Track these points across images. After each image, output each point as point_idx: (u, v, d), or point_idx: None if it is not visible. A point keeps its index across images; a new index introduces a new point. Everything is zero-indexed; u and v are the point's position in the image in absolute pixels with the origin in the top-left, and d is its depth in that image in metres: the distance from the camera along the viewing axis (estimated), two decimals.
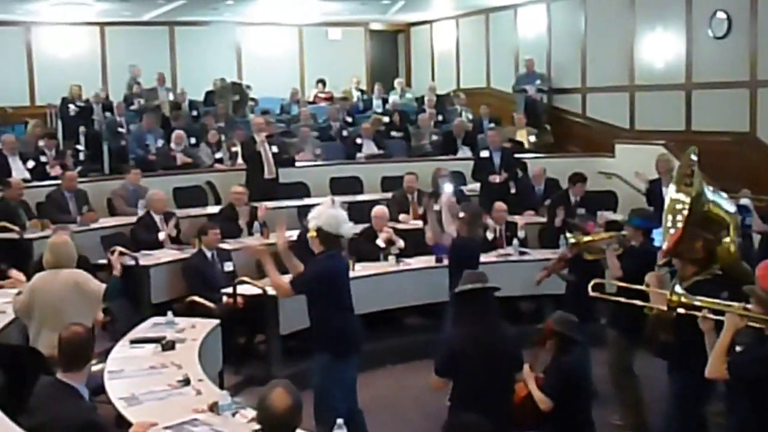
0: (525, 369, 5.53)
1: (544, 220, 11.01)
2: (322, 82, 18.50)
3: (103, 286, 6.46)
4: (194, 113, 16.08)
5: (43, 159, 12.16)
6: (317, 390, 6.03)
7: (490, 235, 9.95)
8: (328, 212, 6.13)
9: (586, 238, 7.29)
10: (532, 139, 14.91)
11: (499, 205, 10.31)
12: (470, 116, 16.08)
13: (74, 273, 6.45)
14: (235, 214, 10.43)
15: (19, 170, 11.60)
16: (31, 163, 11.88)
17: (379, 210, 9.75)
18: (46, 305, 6.30)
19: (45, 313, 6.29)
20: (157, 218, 10.02)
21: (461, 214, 7.76)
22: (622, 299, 5.62)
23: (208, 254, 9.04)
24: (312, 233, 6.12)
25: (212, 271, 8.92)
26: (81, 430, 4.31)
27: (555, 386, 5.43)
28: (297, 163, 12.96)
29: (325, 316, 6.06)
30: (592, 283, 5.78)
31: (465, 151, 13.98)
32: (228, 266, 9.07)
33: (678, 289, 4.97)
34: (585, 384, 5.80)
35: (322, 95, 18.07)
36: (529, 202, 11.80)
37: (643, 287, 5.51)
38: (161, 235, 9.87)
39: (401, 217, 10.87)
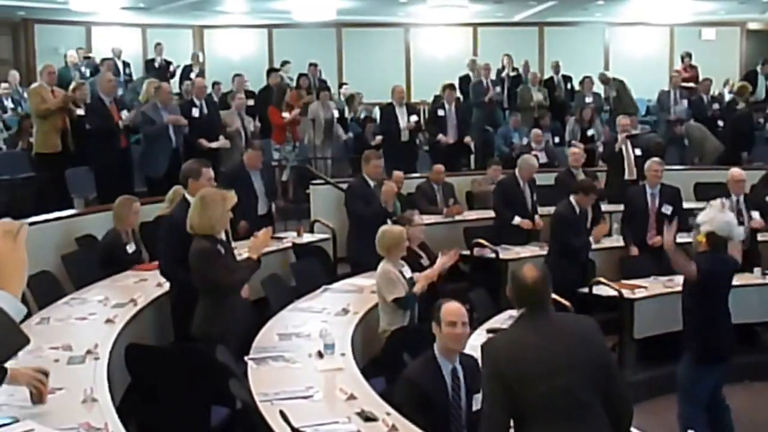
0: None
1: None
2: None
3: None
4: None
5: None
6: (680, 380, 6.28)
7: None
8: (720, 217, 6.22)
9: None
10: None
11: None
12: None
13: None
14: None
15: None
16: None
17: None
18: None
19: None
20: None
21: None
22: None
23: None
24: (701, 237, 6.20)
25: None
26: (400, 384, 4.81)
27: None
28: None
29: (700, 317, 6.15)
30: None
31: None
32: None
33: None
34: None
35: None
36: None
37: None
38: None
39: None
